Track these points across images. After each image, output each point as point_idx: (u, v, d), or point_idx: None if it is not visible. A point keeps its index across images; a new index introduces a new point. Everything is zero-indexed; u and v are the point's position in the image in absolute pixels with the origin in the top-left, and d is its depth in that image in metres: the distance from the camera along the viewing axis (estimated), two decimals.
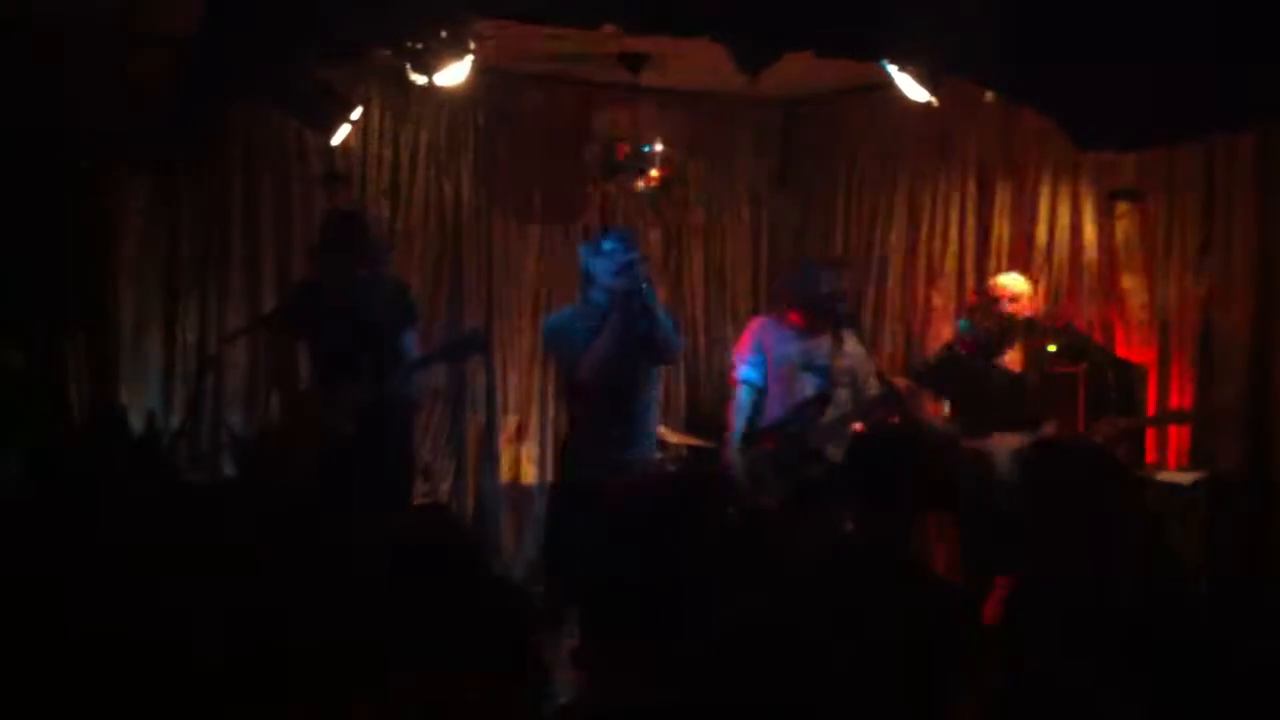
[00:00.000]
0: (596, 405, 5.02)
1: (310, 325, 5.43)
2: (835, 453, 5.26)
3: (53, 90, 5.81)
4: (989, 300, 5.90)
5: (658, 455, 5.72)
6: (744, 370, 5.73)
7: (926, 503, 3.54)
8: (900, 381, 5.78)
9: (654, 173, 6.64)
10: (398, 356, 5.30)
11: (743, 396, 5.71)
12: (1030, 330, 5.88)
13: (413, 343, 5.41)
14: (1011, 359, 5.79)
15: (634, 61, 6.44)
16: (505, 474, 7.09)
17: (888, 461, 3.20)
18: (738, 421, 5.70)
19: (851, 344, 5.71)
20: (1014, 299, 5.81)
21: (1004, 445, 5.45)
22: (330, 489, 5.09)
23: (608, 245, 5.02)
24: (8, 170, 5.72)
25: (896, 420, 5.60)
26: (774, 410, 5.67)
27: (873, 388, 5.69)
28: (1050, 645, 2.66)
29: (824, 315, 5.63)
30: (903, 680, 2.46)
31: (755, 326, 5.90)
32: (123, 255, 6.21)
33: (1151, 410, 5.92)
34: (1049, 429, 5.57)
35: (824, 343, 5.65)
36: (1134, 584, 2.97)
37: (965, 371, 5.81)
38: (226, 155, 6.36)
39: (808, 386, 5.61)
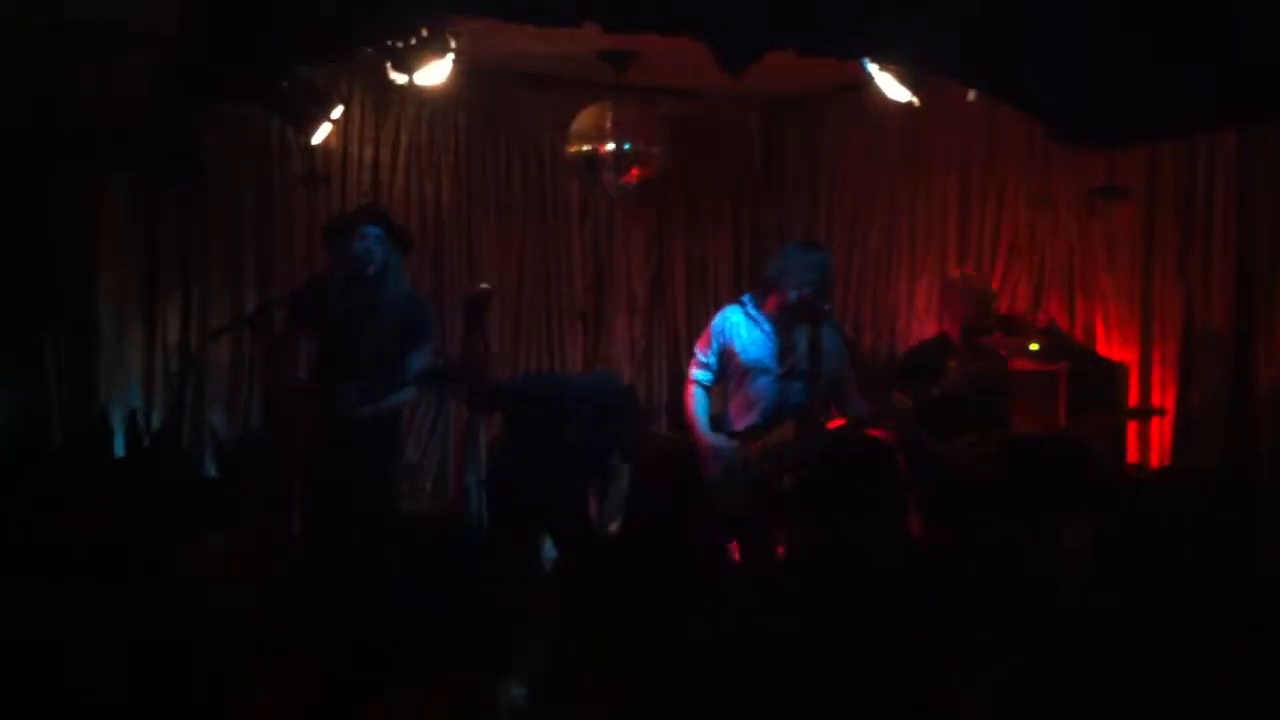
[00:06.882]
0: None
1: (316, 318, 5.31)
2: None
3: (35, 90, 5.78)
4: (950, 297, 5.86)
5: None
6: (697, 371, 5.56)
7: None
8: (899, 399, 5.65)
9: (635, 172, 6.62)
10: (399, 370, 5.18)
11: (698, 396, 5.55)
12: (1007, 328, 5.89)
13: (421, 363, 5.24)
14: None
15: (617, 60, 6.44)
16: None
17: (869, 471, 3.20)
18: (702, 422, 5.52)
19: (830, 341, 5.47)
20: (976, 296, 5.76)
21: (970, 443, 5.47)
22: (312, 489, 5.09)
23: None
24: None
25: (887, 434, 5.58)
26: (739, 412, 5.49)
27: (851, 385, 5.57)
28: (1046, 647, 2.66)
29: (802, 306, 5.34)
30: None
31: (720, 318, 5.58)
32: (104, 254, 6.17)
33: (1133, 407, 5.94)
34: (1016, 427, 5.57)
35: (799, 339, 5.38)
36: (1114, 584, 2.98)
37: (930, 371, 5.74)
38: (208, 154, 6.33)
39: (771, 390, 5.42)
